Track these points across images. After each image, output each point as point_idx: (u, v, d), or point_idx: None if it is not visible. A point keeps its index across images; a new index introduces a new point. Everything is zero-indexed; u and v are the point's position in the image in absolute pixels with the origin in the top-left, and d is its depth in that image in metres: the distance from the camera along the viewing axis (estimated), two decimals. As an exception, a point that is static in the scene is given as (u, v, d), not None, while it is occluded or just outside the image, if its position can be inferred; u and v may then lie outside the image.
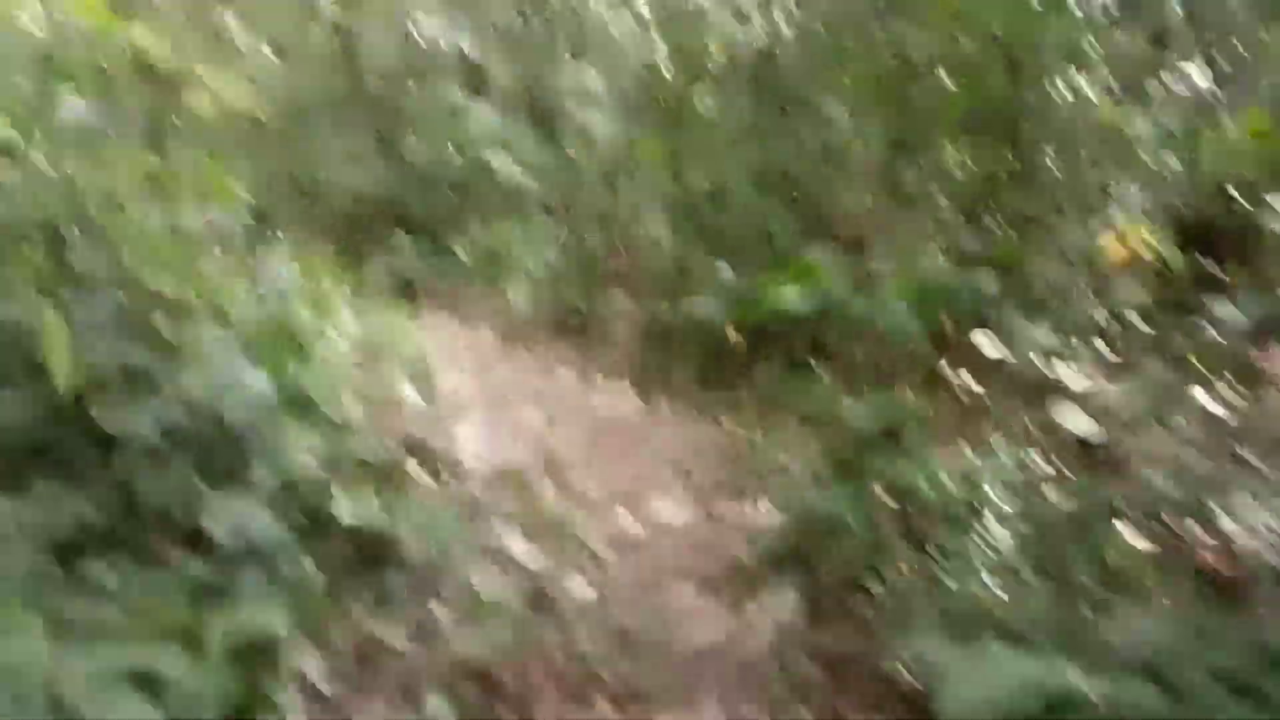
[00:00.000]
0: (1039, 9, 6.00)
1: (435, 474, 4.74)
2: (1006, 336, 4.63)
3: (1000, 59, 6.36)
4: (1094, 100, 6.54)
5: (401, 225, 9.77)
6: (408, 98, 10.46)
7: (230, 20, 16.62)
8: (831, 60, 7.75)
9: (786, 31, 7.78)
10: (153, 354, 3.56)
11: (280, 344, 4.13)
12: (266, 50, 14.36)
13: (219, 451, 3.36)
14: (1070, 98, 6.57)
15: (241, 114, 12.02)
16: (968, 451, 3.81)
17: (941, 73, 6.77)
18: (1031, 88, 6.42)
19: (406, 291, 9.08)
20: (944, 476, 3.57)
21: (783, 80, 7.66)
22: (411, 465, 4.65)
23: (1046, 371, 4.32)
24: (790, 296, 5.13)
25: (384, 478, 4.38)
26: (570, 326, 7.47)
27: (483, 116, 8.98)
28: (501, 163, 8.60)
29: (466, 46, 10.85)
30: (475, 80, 10.63)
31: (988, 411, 4.21)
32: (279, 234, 9.71)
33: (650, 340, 6.59)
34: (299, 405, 4.39)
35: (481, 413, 5.80)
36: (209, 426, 3.38)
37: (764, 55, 7.60)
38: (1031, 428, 4.02)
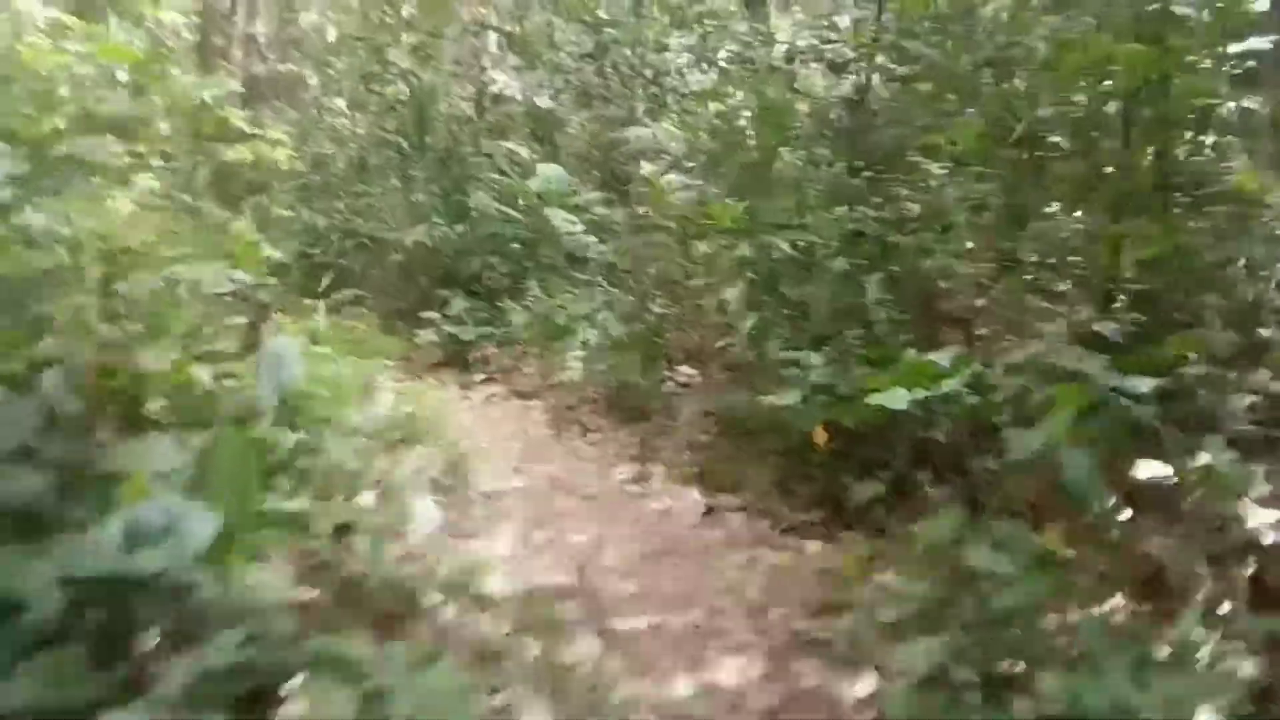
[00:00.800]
0: (1170, 65, 4.97)
1: (451, 602, 3.79)
2: (1172, 460, 3.58)
3: (1128, 119, 5.34)
4: (1232, 166, 5.52)
5: (460, 284, 8.95)
6: (474, 153, 9.67)
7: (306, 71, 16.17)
8: (933, 117, 6.80)
9: (880, 86, 6.85)
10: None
11: (250, 462, 3.22)
12: (340, 103, 13.83)
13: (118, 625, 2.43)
14: (1205, 163, 5.55)
15: (285, 169, 11.46)
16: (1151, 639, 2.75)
17: (1059, 133, 5.78)
18: (1163, 152, 5.41)
19: (458, 358, 8.23)
20: (1117, 677, 2.52)
21: (877, 139, 6.70)
22: (423, 596, 3.72)
23: (1237, 512, 3.26)
24: (897, 398, 4.12)
25: (381, 620, 3.45)
26: (631, 409, 6.52)
27: (550, 174, 8.12)
28: (566, 223, 7.73)
29: (539, 100, 10.07)
30: (546, 136, 9.82)
31: (1162, 570, 3.15)
32: (321, 297, 8.99)
33: (722, 434, 5.61)
34: (277, 527, 3.49)
35: (519, 520, 4.86)
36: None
37: (856, 111, 6.65)
38: (1229, 595, 2.96)
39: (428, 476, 5.15)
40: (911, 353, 4.83)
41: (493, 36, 10.81)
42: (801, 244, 5.81)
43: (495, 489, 5.31)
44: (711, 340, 7.13)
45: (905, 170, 7.03)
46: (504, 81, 10.98)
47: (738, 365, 6.01)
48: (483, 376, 7.84)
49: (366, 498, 4.40)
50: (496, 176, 8.74)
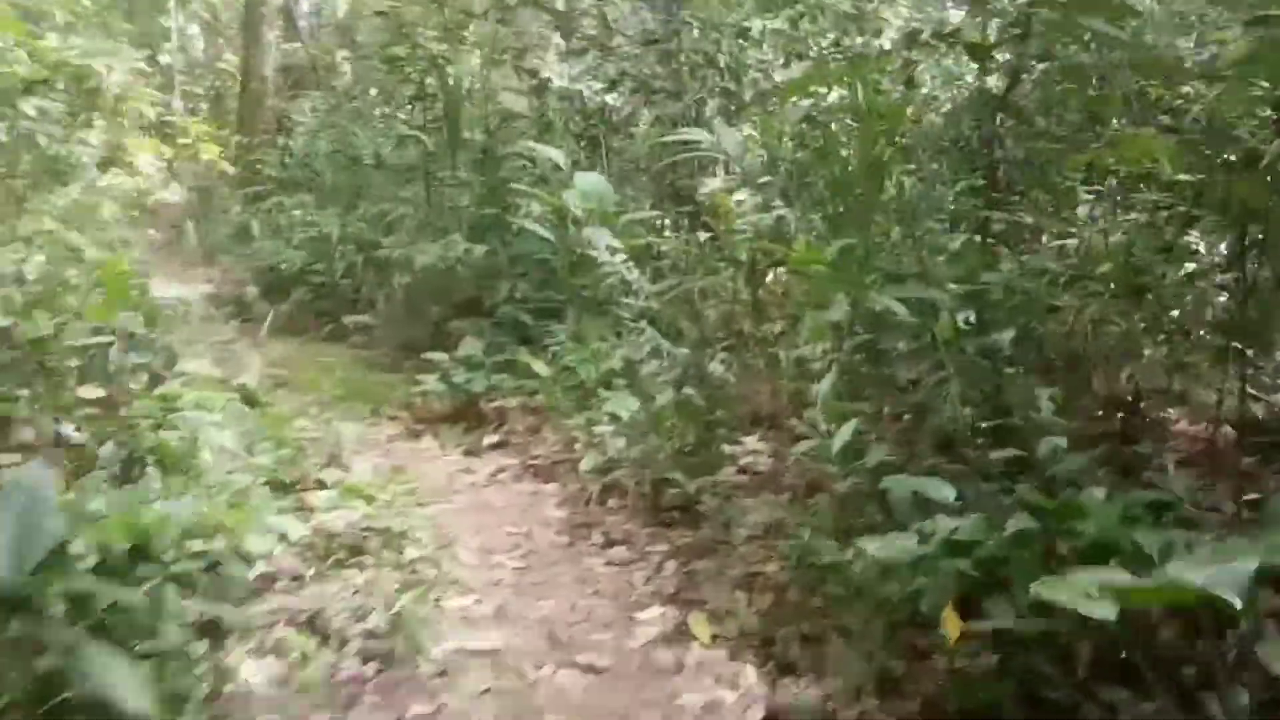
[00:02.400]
0: None
1: None
2: None
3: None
4: None
5: (479, 317, 7.31)
6: (512, 155, 8.01)
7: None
8: (1083, 128, 5.05)
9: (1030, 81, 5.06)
10: None
11: None
12: (371, 92, 12.30)
13: None
14: None
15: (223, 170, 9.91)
16: None
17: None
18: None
19: (469, 411, 6.59)
20: None
21: (1007, 154, 4.93)
22: None
23: None
24: (1101, 605, 2.39)
25: None
26: (674, 509, 4.83)
27: (590, 185, 6.44)
28: (608, 250, 6.05)
29: (589, 93, 8.38)
30: (595, 138, 8.13)
31: None
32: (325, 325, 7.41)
33: (792, 583, 3.87)
34: None
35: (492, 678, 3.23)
36: None
37: (997, 112, 4.87)
38: None
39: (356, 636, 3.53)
40: (1101, 499, 3.10)
41: (538, 17, 9.14)
42: (916, 307, 4.04)
43: (460, 648, 3.64)
44: (788, 405, 5.44)
45: (1053, 196, 5.29)
46: (551, 69, 9.34)
47: (819, 475, 4.27)
48: (495, 439, 6.19)
49: None
50: (529, 189, 7.09)
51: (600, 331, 6.41)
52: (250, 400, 5.13)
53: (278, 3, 13.71)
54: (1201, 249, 4.98)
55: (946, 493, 3.31)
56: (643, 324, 6.01)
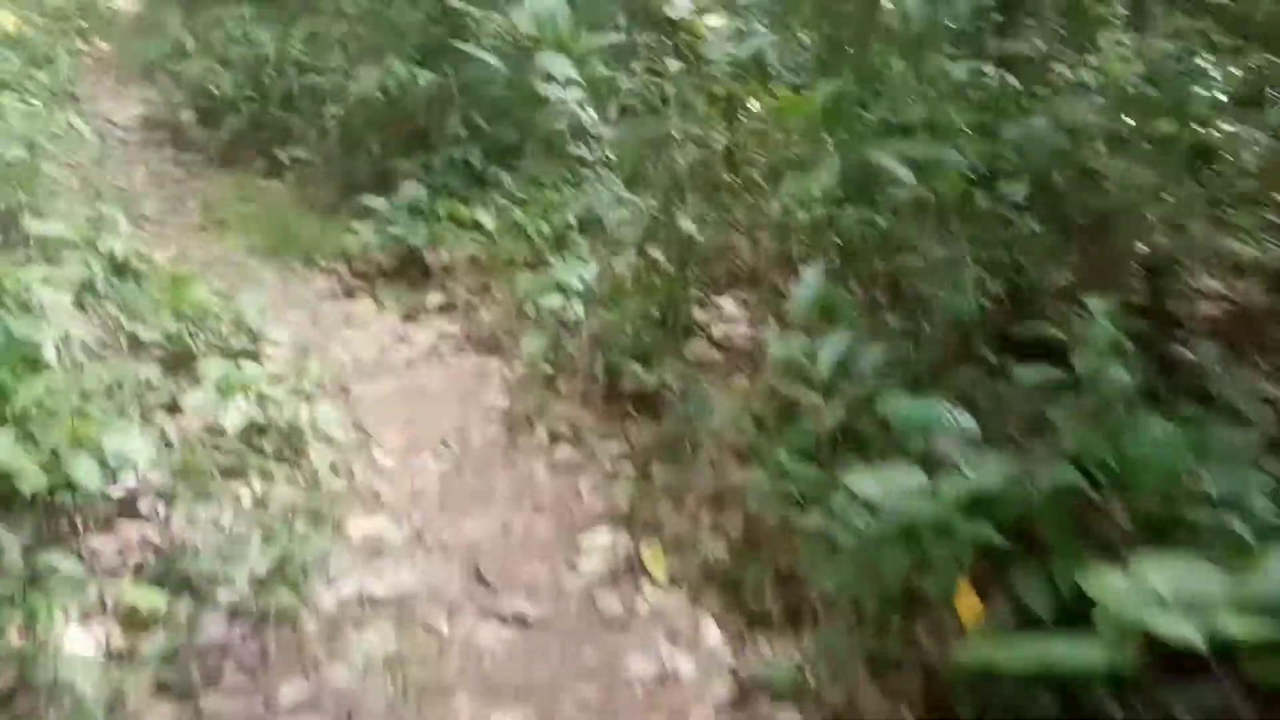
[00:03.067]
0: None
1: None
2: None
3: None
4: None
5: (424, 154, 6.39)
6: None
7: None
8: None
9: None
10: None
11: None
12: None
13: None
14: None
15: None
16: None
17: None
18: None
19: (414, 264, 5.75)
20: None
21: None
22: None
23: None
24: (1181, 624, 1.69)
25: None
26: (627, 403, 4.08)
27: (542, 3, 5.43)
28: (564, 81, 5.11)
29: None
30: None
31: None
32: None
33: (765, 508, 3.14)
34: None
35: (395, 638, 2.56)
36: None
37: None
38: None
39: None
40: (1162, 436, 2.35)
41: None
42: (925, 164, 3.19)
43: (360, 595, 2.94)
44: (771, 262, 4.66)
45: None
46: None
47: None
48: (440, 300, 5.37)
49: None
50: (466, 6, 6.04)
51: (555, 177, 5.53)
52: (120, 269, 4.27)
53: None
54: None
55: (964, 423, 2.56)
56: (602, 170, 5.14)
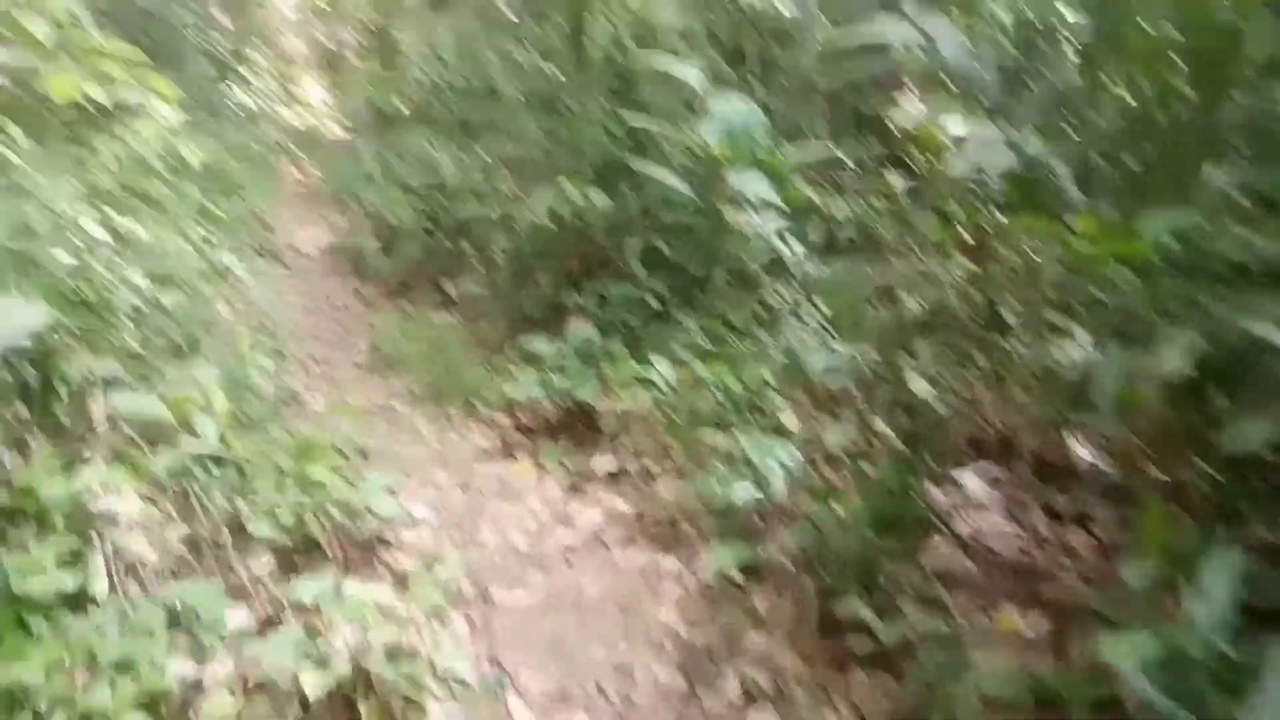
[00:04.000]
0: None
1: None
2: None
3: None
4: None
5: (602, 279, 5.52)
6: (642, 74, 6.12)
7: None
8: None
9: None
10: None
11: None
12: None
13: None
14: None
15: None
16: None
17: None
18: None
19: (584, 418, 4.82)
20: None
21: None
22: None
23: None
24: None
25: None
26: (846, 641, 2.96)
27: (733, 114, 4.50)
28: (757, 204, 4.13)
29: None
30: (752, 51, 6.16)
31: None
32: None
33: None
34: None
35: None
36: None
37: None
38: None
39: None
40: None
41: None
42: None
43: None
44: (1029, 420, 3.60)
45: None
46: None
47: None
48: (609, 465, 4.40)
49: None
50: (647, 121, 5.15)
51: (748, 318, 4.51)
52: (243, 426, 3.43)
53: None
54: None
55: None
56: (806, 313, 4.10)
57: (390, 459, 4.65)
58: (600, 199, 5.50)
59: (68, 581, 2.00)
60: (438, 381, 5.51)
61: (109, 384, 3.05)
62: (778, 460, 3.29)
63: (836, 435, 3.50)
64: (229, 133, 12.64)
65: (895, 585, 2.99)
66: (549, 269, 5.67)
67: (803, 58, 6.10)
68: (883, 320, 3.76)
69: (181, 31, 13.95)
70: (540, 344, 4.99)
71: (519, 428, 4.94)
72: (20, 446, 2.49)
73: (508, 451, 4.76)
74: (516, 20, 8.25)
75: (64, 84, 3.51)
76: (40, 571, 2.03)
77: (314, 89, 20.30)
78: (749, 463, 3.48)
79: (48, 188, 5.01)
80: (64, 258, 4.59)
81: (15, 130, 4.65)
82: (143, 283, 5.18)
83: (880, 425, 3.55)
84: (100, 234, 5.35)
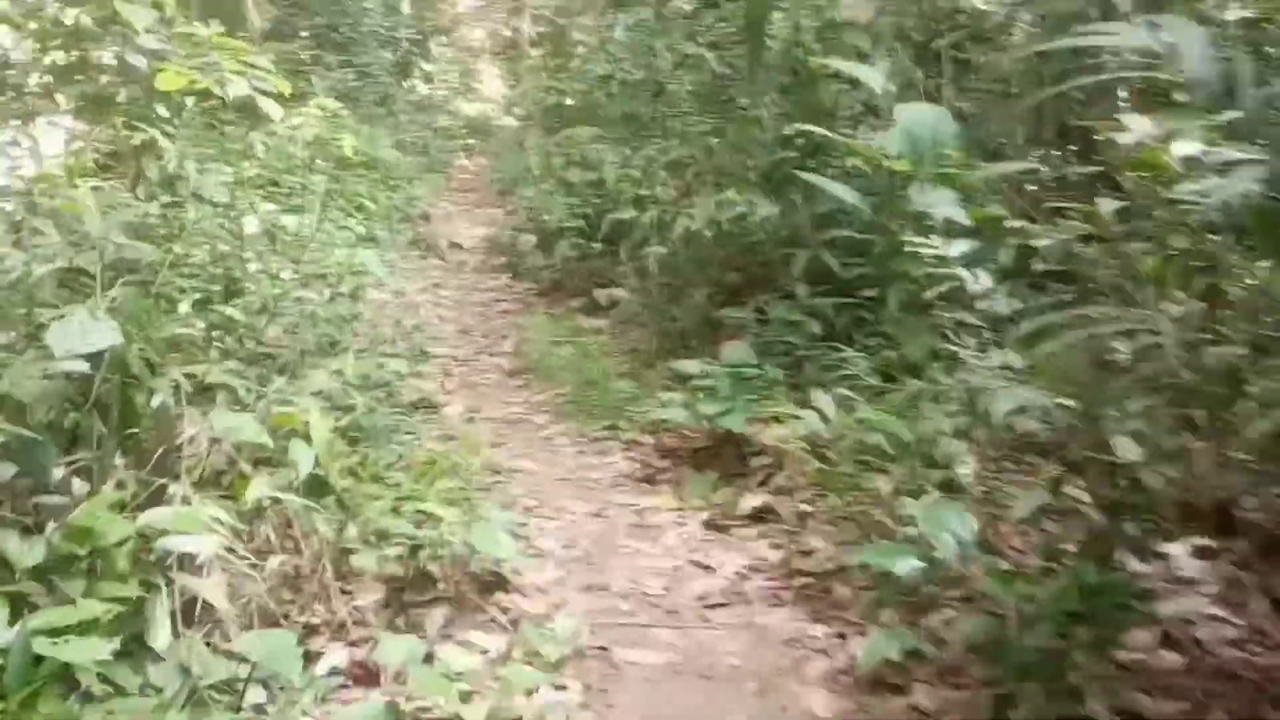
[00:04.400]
0: None
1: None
2: None
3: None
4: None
5: (763, 294, 5.10)
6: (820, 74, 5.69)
7: None
8: None
9: None
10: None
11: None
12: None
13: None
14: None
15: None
16: None
17: None
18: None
19: (725, 449, 4.39)
20: None
21: None
22: None
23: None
24: None
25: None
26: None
27: (919, 122, 3.99)
28: (941, 224, 3.63)
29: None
30: (938, 58, 5.61)
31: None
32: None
33: None
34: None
35: None
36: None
37: None
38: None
39: None
40: None
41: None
42: None
43: None
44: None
45: None
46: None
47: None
48: (757, 503, 3.96)
49: None
50: (818, 130, 4.65)
51: (924, 351, 4.00)
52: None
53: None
54: None
55: None
56: (994, 351, 3.57)
57: (522, 479, 4.34)
58: (766, 208, 5.06)
59: (103, 649, 1.71)
60: (581, 394, 5.18)
61: (206, 397, 2.79)
62: (951, 530, 2.79)
63: (1024, 499, 2.98)
64: (402, 123, 12.71)
65: (1085, 683, 2.48)
66: (706, 281, 5.26)
67: (1003, 61, 5.50)
68: (1085, 366, 3.21)
69: (361, 21, 14.13)
70: (691, 363, 4.58)
71: (662, 452, 4.55)
72: (92, 475, 2.23)
73: (648, 478, 4.37)
74: (692, 15, 7.82)
75: (171, 77, 3.28)
76: (82, 630, 1.75)
77: (491, 79, 20.43)
78: (915, 523, 2.99)
79: (196, 178, 4.89)
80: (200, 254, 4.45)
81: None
82: (285, 277, 5.03)
83: (1077, 490, 3.02)
84: (251, 226, 5.23)
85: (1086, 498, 3.05)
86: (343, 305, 5.39)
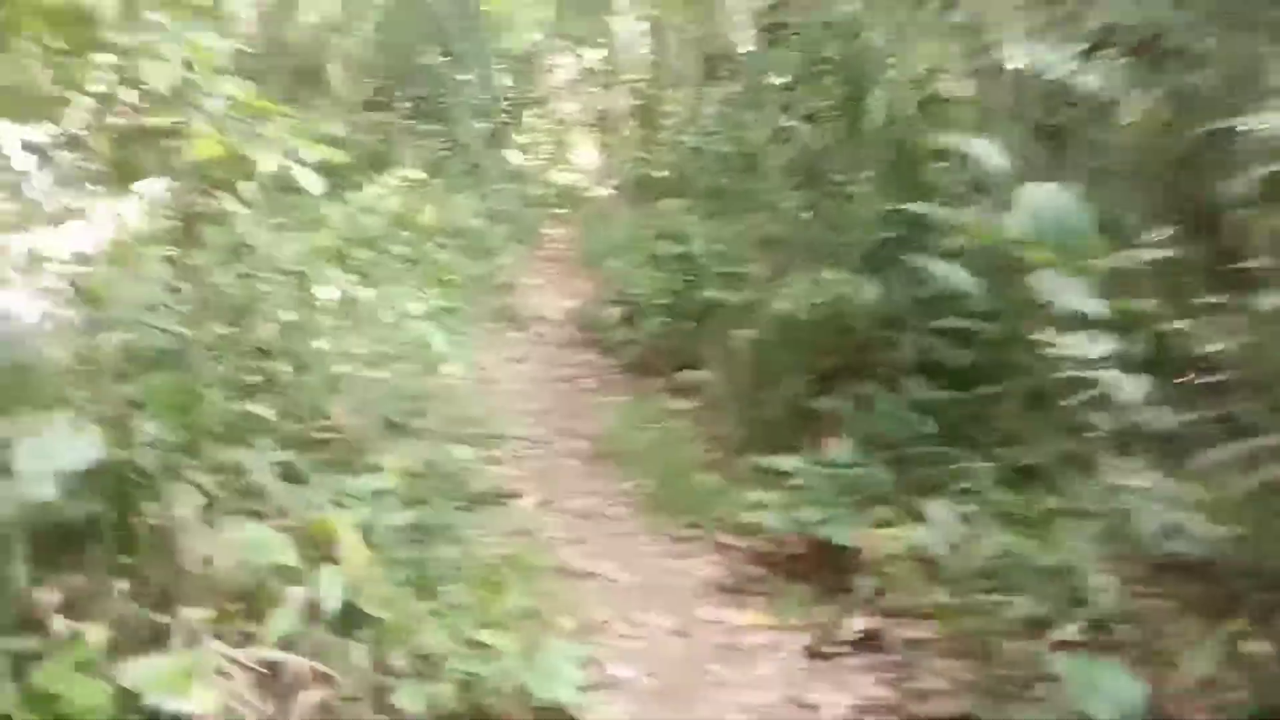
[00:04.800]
0: None
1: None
2: None
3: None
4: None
5: (863, 382, 4.64)
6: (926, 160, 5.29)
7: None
8: None
9: None
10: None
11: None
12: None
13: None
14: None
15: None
16: None
17: None
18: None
19: (824, 559, 3.90)
20: None
21: None
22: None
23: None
24: None
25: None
26: None
27: (1047, 204, 3.52)
28: (1074, 317, 3.15)
29: (1061, 73, 5.34)
30: (1060, 131, 5.15)
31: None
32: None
33: None
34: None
35: None
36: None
37: None
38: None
39: None
40: None
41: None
42: None
43: None
44: None
45: None
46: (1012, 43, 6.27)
47: None
48: (862, 626, 3.47)
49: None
50: (925, 207, 4.21)
51: (1055, 457, 3.49)
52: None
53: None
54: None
55: None
56: (1144, 465, 3.06)
57: (598, 585, 3.92)
58: (866, 289, 4.62)
59: None
60: (663, 487, 4.75)
61: (245, 492, 2.43)
62: (1108, 695, 2.28)
63: (1200, 653, 2.46)
64: (492, 192, 12.54)
65: None
66: (800, 367, 4.81)
67: (1125, 141, 5.00)
68: (1258, 492, 2.69)
69: (459, 92, 14.10)
70: (785, 458, 4.12)
71: (753, 559, 4.08)
72: (77, 611, 1.86)
73: (738, 588, 3.90)
74: (786, 88, 7.46)
75: (206, 143, 2.99)
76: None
77: (585, 150, 20.37)
78: (1058, 677, 2.48)
79: (266, 250, 4.63)
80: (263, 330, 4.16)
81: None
82: (355, 352, 4.73)
83: (1255, 645, 2.49)
84: (322, 298, 4.95)
85: (1270, 648, 2.52)
86: (414, 383, 5.07)
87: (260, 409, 3.33)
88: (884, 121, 6.02)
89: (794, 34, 6.04)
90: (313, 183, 3.22)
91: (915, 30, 6.31)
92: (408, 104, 12.55)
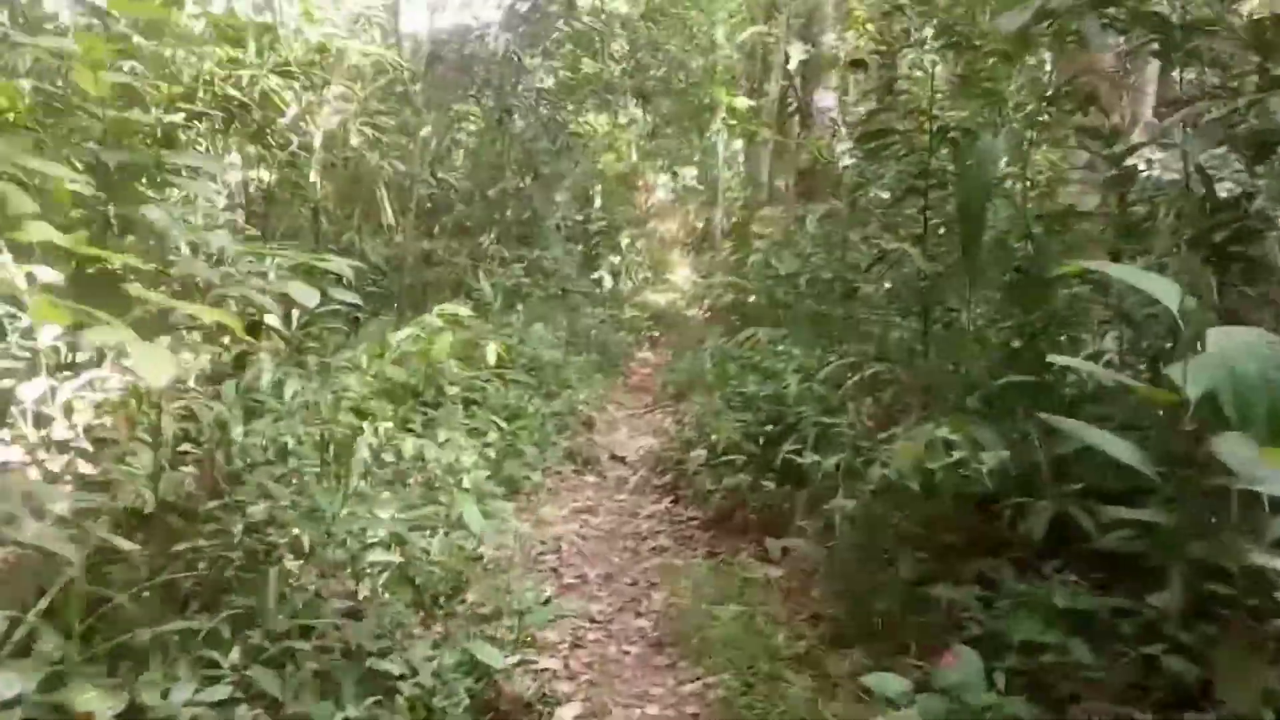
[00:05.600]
0: None
1: None
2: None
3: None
4: None
5: (992, 562, 3.78)
6: (1057, 286, 4.54)
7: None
8: None
9: None
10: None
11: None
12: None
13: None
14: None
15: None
16: None
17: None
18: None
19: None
20: None
21: None
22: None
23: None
24: None
25: None
26: None
27: (1242, 358, 2.71)
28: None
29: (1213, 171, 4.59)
30: (1223, 259, 4.29)
31: None
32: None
33: None
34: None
35: None
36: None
37: None
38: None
39: None
40: None
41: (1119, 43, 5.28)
42: None
43: None
44: None
45: None
46: (1145, 135, 5.49)
47: None
48: None
49: None
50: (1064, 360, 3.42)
51: (1258, 701, 2.60)
52: None
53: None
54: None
55: None
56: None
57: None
58: (992, 451, 3.80)
59: None
60: (739, 692, 3.91)
61: None
62: None
63: None
64: (578, 318, 12.02)
65: None
66: (911, 541, 3.98)
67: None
68: None
69: (549, 214, 13.79)
70: (893, 678, 3.27)
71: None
72: None
73: None
74: (892, 204, 6.74)
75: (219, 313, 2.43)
76: None
77: (681, 270, 19.92)
78: None
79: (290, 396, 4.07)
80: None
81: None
82: (382, 516, 4.07)
83: None
84: (365, 452, 4.36)
85: None
86: (451, 555, 4.39)
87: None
88: (1004, 239, 5.29)
89: (896, 143, 5.34)
90: (282, 329, 2.61)
91: (1035, 134, 5.59)
92: (496, 228, 12.22)
